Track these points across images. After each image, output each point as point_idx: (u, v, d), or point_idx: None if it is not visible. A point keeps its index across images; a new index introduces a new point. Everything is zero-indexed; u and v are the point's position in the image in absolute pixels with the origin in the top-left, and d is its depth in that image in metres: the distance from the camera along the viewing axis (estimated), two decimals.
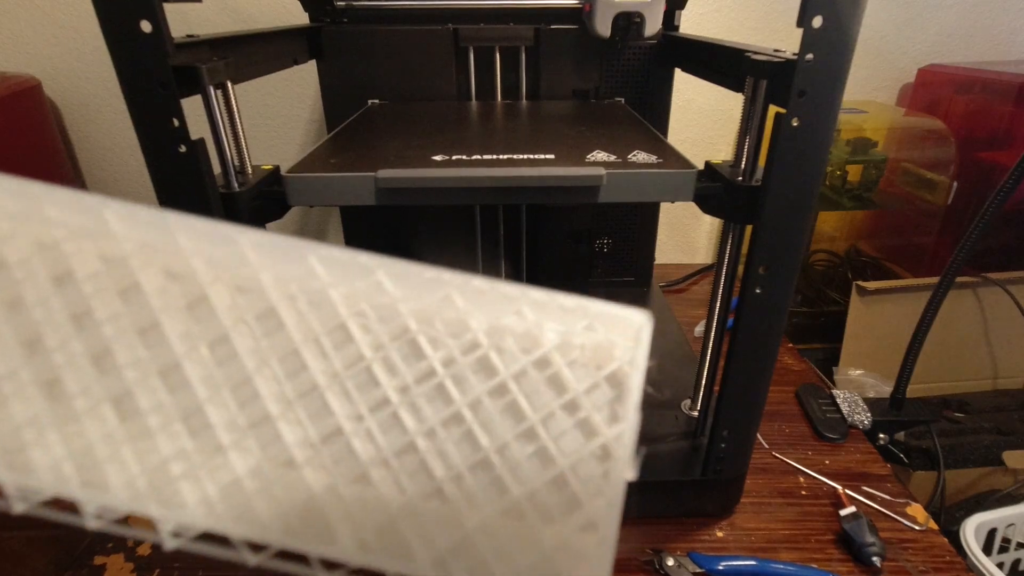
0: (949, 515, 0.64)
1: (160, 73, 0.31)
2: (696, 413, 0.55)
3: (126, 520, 0.17)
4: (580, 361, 0.19)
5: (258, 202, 0.39)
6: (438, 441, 0.18)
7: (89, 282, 0.18)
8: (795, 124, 0.34)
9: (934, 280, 0.64)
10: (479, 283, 0.19)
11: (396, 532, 0.18)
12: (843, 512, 0.49)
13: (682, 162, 0.40)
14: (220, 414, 0.18)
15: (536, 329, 0.19)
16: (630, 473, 0.18)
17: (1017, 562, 0.59)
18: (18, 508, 0.16)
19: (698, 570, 0.45)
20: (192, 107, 0.33)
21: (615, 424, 0.18)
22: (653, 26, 0.59)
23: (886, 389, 0.70)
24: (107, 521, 0.17)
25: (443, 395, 0.19)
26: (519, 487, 0.18)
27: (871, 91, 0.96)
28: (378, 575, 0.17)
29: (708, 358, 0.52)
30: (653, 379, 0.61)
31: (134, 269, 0.18)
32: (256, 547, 0.17)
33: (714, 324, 0.50)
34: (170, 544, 0.17)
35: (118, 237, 0.18)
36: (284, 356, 0.19)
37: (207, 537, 0.17)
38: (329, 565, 0.17)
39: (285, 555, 0.17)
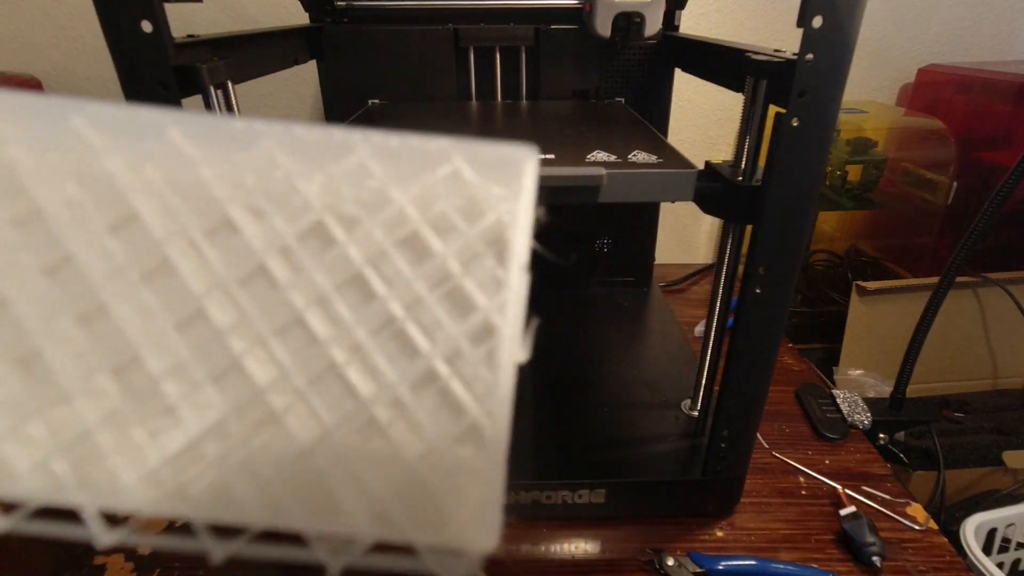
0: (949, 515, 0.64)
1: (161, 73, 0.32)
2: (696, 413, 0.55)
3: None
4: (446, 217, 0.15)
5: None
6: (258, 337, 0.14)
7: None
8: (795, 124, 0.34)
9: (934, 280, 0.64)
10: (304, 132, 0.15)
11: (202, 470, 0.13)
12: (843, 512, 0.49)
13: (682, 162, 0.40)
14: (60, 352, 0.13)
15: (385, 182, 0.15)
16: (521, 352, 0.14)
17: (1017, 562, 0.59)
18: None
19: (698, 570, 0.45)
20: (193, 107, 0.33)
21: (497, 293, 0.14)
22: (653, 26, 0.59)
23: (886, 389, 0.70)
24: None
25: (264, 279, 0.14)
26: (370, 386, 0.14)
27: (871, 91, 0.95)
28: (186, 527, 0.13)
29: (708, 358, 0.52)
30: (652, 379, 0.61)
31: None
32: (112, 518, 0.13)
33: (714, 324, 0.50)
34: None
35: None
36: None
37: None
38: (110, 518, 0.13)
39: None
